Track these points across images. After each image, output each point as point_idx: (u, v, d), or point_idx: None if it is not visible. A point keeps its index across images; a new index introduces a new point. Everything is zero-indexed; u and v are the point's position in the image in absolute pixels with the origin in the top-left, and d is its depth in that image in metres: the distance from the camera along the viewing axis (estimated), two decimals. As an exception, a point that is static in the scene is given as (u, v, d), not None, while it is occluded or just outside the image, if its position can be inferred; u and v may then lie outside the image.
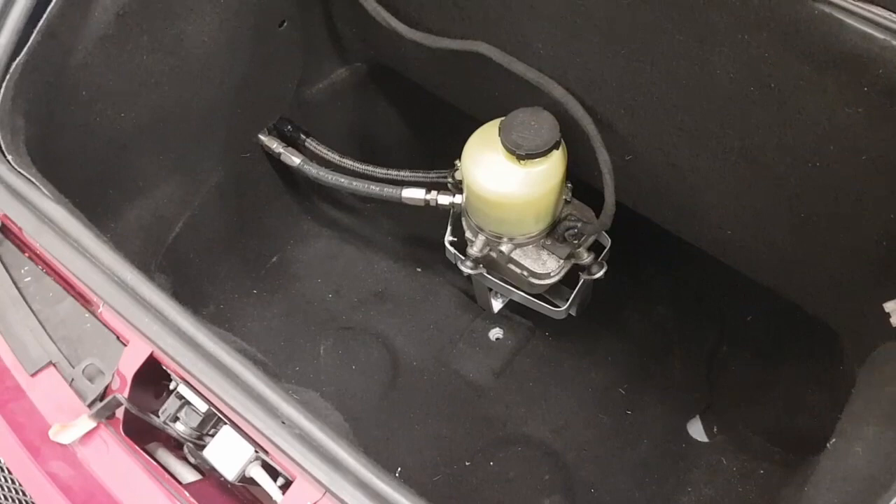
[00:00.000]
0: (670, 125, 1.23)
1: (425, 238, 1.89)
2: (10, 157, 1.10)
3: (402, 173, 1.66)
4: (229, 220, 1.73)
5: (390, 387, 1.71)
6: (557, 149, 1.36)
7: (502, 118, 1.38)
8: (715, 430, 1.62)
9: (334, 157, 1.71)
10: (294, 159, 1.69)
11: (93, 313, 1.02)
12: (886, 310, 1.06)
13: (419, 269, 1.88)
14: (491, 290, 1.69)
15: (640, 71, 1.18)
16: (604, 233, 1.51)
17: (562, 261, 1.52)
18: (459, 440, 1.63)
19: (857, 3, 0.92)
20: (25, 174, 1.08)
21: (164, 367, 0.98)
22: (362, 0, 1.46)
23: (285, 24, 1.53)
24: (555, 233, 1.51)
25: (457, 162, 1.57)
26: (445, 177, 1.60)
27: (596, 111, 1.31)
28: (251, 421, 0.91)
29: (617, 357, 1.71)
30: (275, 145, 1.70)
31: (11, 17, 1.12)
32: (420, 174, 1.64)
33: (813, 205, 1.17)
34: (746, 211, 1.27)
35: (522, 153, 1.33)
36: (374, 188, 1.62)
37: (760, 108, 1.09)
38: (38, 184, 1.07)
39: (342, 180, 1.65)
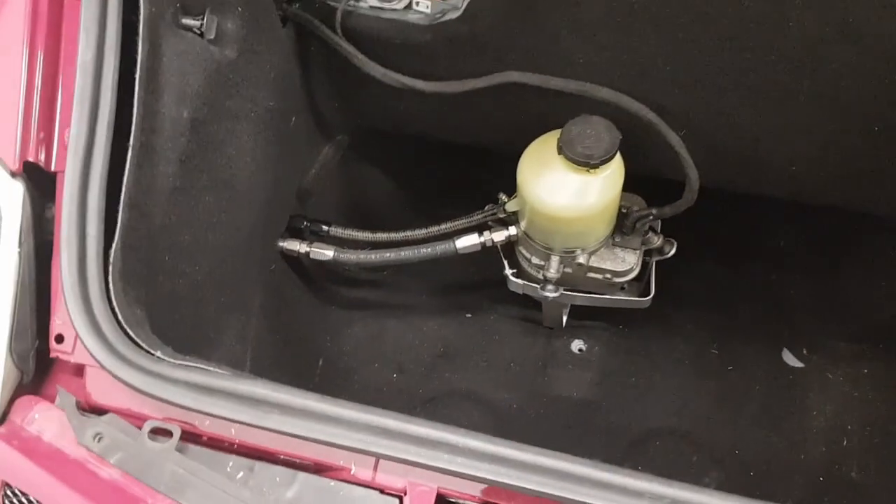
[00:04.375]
0: (734, 89, 1.28)
1: (456, 284, 1.84)
2: (158, 353, 0.95)
3: (443, 227, 1.60)
4: (275, 340, 1.59)
5: (503, 437, 1.64)
6: (619, 147, 1.37)
7: (540, 139, 1.38)
8: (805, 352, 1.71)
9: (366, 235, 1.62)
10: (326, 253, 1.58)
11: (340, 479, 0.91)
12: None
13: (468, 315, 1.82)
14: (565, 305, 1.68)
15: (702, 45, 1.21)
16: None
17: (637, 252, 1.54)
18: (598, 456, 1.60)
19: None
20: (190, 364, 0.94)
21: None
22: (368, 68, 1.39)
23: (294, 119, 1.43)
24: (623, 227, 1.52)
25: (501, 196, 1.54)
26: (494, 213, 1.57)
27: (647, 100, 1.33)
28: None
29: (693, 324, 1.75)
30: (297, 246, 1.59)
31: (91, 196, 0.97)
32: (463, 220, 1.59)
33: (888, 116, 1.25)
34: (815, 143, 1.34)
35: (597, 161, 1.33)
36: (425, 251, 1.54)
37: (837, 46, 1.16)
38: (208, 367, 0.94)
39: (388, 255, 1.56)
